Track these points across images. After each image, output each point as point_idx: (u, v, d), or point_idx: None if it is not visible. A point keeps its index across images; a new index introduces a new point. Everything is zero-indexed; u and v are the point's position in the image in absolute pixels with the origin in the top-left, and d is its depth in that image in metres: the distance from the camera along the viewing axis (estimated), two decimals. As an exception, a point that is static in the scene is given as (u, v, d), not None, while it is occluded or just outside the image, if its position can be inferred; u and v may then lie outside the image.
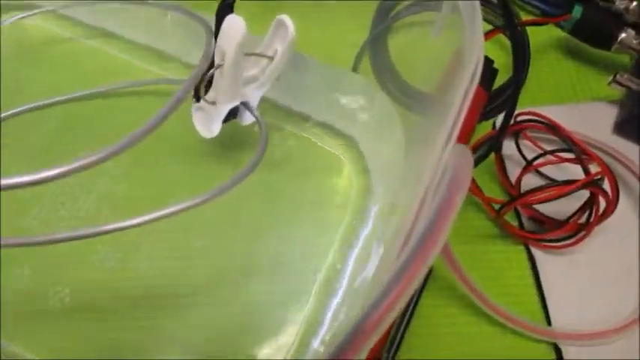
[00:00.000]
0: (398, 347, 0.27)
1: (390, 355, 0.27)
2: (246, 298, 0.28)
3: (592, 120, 0.34)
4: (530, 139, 0.31)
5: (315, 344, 0.27)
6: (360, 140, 0.32)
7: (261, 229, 0.30)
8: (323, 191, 0.31)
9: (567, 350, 0.28)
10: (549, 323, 0.29)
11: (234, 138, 0.31)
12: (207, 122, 0.28)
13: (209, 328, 0.28)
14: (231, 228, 0.30)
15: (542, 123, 0.30)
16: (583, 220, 0.29)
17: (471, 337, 0.29)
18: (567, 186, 0.27)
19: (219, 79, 0.27)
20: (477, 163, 0.29)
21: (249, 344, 0.27)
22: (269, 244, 0.30)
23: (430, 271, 0.30)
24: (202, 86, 0.27)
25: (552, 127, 0.29)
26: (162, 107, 0.21)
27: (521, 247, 0.31)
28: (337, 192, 0.31)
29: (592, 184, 0.27)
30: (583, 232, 0.29)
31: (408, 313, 0.28)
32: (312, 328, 0.27)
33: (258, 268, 0.29)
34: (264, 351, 0.27)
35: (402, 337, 0.27)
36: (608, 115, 0.34)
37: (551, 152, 0.30)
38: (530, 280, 0.30)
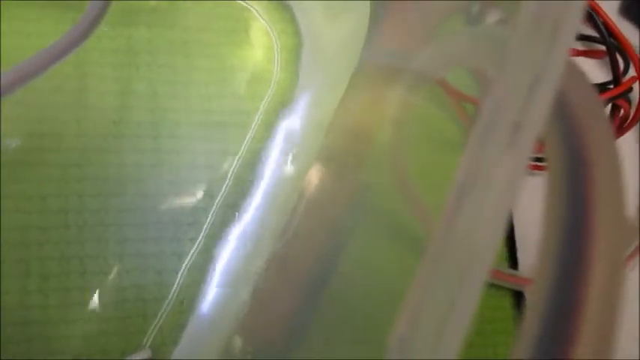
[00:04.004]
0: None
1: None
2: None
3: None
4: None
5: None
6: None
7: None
8: (215, 67, 0.21)
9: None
10: (515, 266, 0.23)
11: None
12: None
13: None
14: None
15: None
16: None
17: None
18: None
19: None
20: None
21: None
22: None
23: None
24: None
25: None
26: None
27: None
28: (238, 69, 0.21)
29: (622, 95, 0.18)
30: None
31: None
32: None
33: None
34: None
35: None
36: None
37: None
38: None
